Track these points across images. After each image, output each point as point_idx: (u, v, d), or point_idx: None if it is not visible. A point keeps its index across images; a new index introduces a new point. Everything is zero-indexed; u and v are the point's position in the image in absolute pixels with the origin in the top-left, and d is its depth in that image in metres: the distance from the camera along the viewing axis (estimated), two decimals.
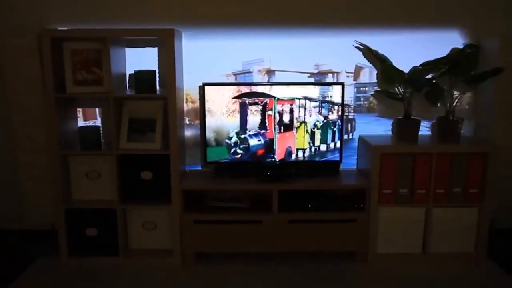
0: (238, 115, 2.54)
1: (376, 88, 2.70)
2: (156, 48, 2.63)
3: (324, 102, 2.56)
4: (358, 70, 2.76)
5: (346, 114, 2.74)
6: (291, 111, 2.55)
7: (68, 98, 2.50)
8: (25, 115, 2.68)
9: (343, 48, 2.60)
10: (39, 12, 2.52)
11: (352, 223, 2.47)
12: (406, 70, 2.50)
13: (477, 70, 2.51)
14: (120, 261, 2.52)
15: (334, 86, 2.56)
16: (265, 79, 2.73)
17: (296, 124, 2.58)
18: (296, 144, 2.60)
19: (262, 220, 2.47)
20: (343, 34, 2.62)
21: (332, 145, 2.62)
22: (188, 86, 2.65)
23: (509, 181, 2.70)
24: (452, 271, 2.42)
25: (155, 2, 2.53)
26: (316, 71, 2.75)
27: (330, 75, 2.76)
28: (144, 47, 2.63)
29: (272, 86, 2.53)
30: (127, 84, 2.63)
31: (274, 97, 2.53)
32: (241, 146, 2.56)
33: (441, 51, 2.55)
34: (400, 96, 2.57)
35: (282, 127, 2.57)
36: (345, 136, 2.77)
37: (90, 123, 2.72)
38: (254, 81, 2.70)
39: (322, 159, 2.63)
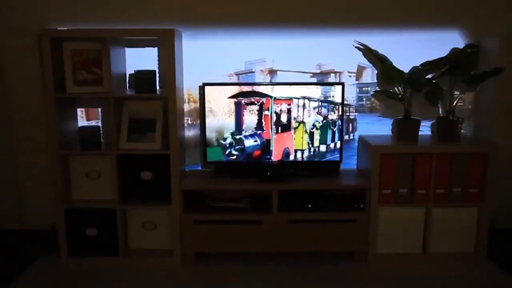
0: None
1: (377, 88, 2.70)
2: (156, 48, 2.63)
3: (324, 102, 2.56)
4: (360, 70, 2.76)
5: (347, 114, 2.73)
6: (289, 111, 2.54)
7: (68, 98, 2.51)
8: (25, 115, 2.68)
9: (345, 48, 2.59)
10: (39, 12, 2.52)
11: (352, 223, 2.47)
12: (406, 70, 2.50)
13: (477, 70, 2.51)
14: (120, 261, 2.52)
15: (335, 86, 2.55)
16: (267, 79, 2.73)
17: (294, 124, 2.56)
18: (294, 145, 2.58)
19: (262, 220, 2.47)
20: (343, 34, 2.62)
21: (332, 145, 2.61)
22: (190, 86, 2.66)
23: (509, 181, 2.70)
24: (452, 271, 2.42)
25: (155, 2, 2.52)
26: (318, 71, 2.74)
27: (332, 75, 2.75)
28: (144, 47, 2.63)
29: (272, 86, 2.53)
30: (127, 84, 2.63)
31: (271, 97, 2.51)
32: (236, 147, 2.54)
33: (441, 51, 2.55)
34: (400, 96, 2.57)
35: (279, 128, 2.56)
36: (346, 137, 2.77)
37: (93, 122, 2.73)
38: (257, 81, 2.70)
39: (322, 159, 2.62)
